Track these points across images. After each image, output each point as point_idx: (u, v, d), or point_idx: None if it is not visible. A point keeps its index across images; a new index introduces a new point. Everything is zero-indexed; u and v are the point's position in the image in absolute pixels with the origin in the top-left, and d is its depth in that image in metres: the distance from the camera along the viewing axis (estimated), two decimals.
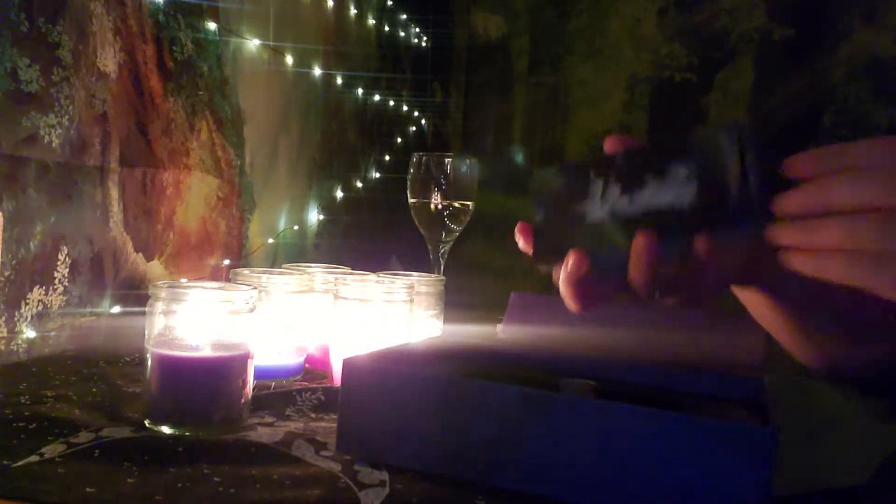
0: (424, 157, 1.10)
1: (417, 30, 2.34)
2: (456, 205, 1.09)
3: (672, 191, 0.49)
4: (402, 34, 2.25)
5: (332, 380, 0.81)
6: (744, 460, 0.44)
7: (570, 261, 0.53)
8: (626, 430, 0.48)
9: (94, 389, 0.71)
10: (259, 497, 0.49)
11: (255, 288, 0.67)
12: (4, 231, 0.78)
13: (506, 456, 0.51)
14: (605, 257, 0.52)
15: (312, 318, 0.85)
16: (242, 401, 0.64)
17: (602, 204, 0.52)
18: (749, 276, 0.58)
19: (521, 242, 0.57)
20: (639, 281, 0.52)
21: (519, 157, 2.50)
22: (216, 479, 0.51)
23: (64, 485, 0.48)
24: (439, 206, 1.09)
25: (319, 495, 0.50)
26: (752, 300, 0.62)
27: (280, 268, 0.92)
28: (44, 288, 0.85)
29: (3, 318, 0.80)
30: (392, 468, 0.54)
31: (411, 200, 1.11)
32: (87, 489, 0.48)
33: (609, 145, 0.54)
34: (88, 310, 0.93)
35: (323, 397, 0.73)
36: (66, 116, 0.87)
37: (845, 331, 0.57)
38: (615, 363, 0.68)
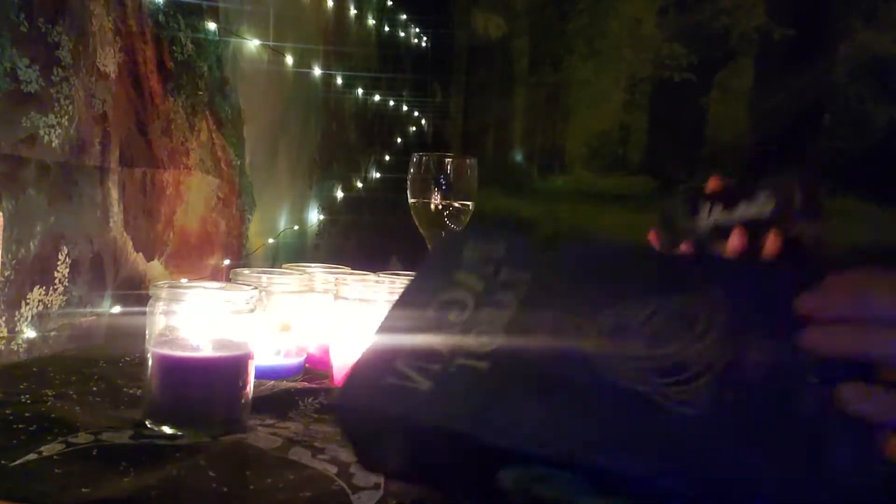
0: (424, 157, 1.10)
1: (417, 30, 2.34)
2: (456, 205, 1.09)
3: (756, 207, 0.70)
4: (402, 34, 2.24)
5: (333, 380, 0.81)
6: None
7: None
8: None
9: (94, 389, 0.71)
10: (252, 500, 0.49)
11: (256, 288, 0.67)
12: (4, 231, 0.78)
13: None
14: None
15: (312, 318, 0.85)
16: (242, 401, 0.64)
17: (708, 217, 0.75)
18: None
19: (652, 240, 0.79)
20: None
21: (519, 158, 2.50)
22: (211, 473, 0.51)
23: (60, 484, 0.48)
24: (439, 206, 1.08)
25: (311, 497, 0.49)
26: None
27: (280, 268, 0.92)
28: (44, 288, 0.85)
29: (4, 318, 0.80)
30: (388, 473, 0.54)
31: (411, 200, 1.11)
32: (83, 489, 0.48)
33: (711, 184, 0.77)
34: (88, 310, 0.93)
35: (324, 400, 0.73)
36: (66, 116, 0.87)
37: None
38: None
